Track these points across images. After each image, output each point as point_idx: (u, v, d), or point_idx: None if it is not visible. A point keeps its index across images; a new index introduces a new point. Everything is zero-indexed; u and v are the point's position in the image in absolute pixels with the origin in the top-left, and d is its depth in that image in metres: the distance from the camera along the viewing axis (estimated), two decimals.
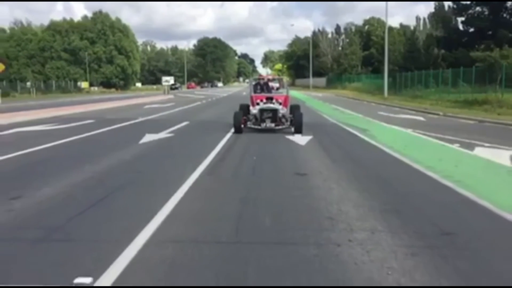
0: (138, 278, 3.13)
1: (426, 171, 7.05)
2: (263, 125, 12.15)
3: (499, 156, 8.59)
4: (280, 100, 12.84)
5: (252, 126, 12.30)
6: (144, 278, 3.14)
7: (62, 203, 5.19)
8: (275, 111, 12.23)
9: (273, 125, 12.14)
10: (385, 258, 3.50)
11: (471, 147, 9.72)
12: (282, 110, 12.42)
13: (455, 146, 9.93)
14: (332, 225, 4.36)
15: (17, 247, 3.75)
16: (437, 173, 6.82)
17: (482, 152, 9.13)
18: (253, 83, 14.50)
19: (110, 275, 3.16)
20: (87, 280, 3.04)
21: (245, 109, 12.95)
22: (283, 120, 12.33)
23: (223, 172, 7.15)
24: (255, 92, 13.57)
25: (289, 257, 3.55)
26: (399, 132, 13.13)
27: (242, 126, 11.97)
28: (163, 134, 12.05)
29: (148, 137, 11.25)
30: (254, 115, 12.37)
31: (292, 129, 11.94)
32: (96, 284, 3.01)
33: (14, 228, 4.27)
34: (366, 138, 11.34)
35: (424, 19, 61.43)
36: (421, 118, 18.29)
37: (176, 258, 3.54)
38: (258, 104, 12.62)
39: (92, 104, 28.16)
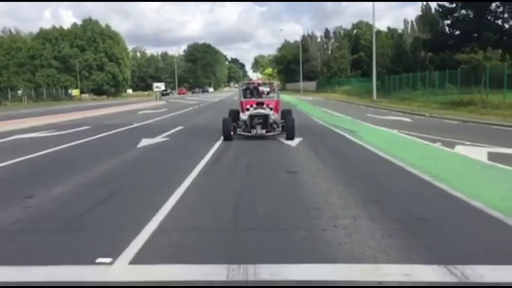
0: (150, 258, 3.61)
1: (407, 168, 7.60)
2: (253, 132, 11.67)
3: (477, 153, 9.18)
4: (271, 105, 12.43)
5: (242, 133, 11.87)
6: (155, 258, 3.62)
7: (74, 200, 5.68)
8: (265, 116, 11.81)
9: (264, 131, 11.69)
10: (365, 239, 4.03)
11: (452, 145, 10.31)
12: (273, 116, 12.05)
13: (437, 145, 10.52)
14: (319, 214, 4.88)
15: (40, 237, 4.22)
16: (417, 169, 7.37)
17: (462, 149, 9.72)
18: (243, 87, 14.08)
19: (126, 256, 3.65)
20: (107, 260, 3.53)
21: (234, 115, 12.57)
22: (274, 126, 11.96)
23: (219, 171, 7.65)
24: (245, 97, 13.14)
25: (281, 240, 4.05)
26: (386, 132, 13.70)
27: (232, 133, 11.66)
28: (159, 139, 12.53)
29: (145, 141, 11.73)
30: (244, 122, 11.95)
31: (284, 135, 11.68)
32: (115, 263, 3.49)
33: (34, 221, 4.74)
34: (354, 139, 11.90)
35: (411, 22, 62.46)
36: (408, 119, 18.90)
37: (181, 242, 4.03)
38: (248, 109, 12.18)
39: (85, 111, 28.51)
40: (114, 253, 3.68)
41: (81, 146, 11.40)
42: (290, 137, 11.43)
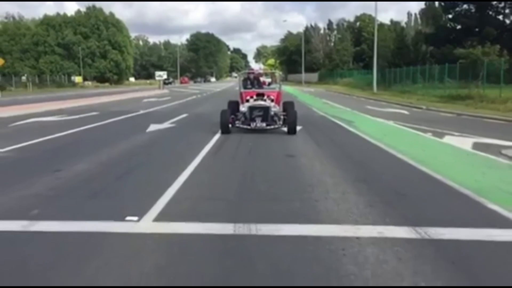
0: (167, 219, 4.34)
1: (397, 154, 8.31)
2: (253, 125, 11.21)
3: (463, 142, 9.88)
4: (272, 97, 11.97)
5: (241, 125, 11.37)
6: (171, 219, 4.35)
7: (97, 174, 6.43)
8: (266, 109, 11.32)
9: (264, 124, 11.23)
10: (350, 208, 4.75)
11: (441, 135, 11.01)
12: (274, 108, 11.62)
13: (428, 135, 11.22)
14: (312, 189, 5.60)
15: (75, 201, 4.97)
16: (405, 156, 8.07)
17: (450, 139, 10.42)
18: (243, 77, 13.55)
19: (149, 216, 4.40)
20: (134, 218, 4.27)
21: (234, 106, 12.06)
22: (275, 118, 11.45)
23: (224, 154, 8.37)
24: (245, 87, 12.64)
25: (279, 209, 4.77)
26: (382, 123, 14.38)
27: (230, 125, 11.20)
28: (166, 124, 13.26)
29: (153, 127, 12.46)
30: (244, 114, 11.46)
31: (285, 129, 11.24)
32: (141, 221, 4.23)
33: (67, 189, 5.49)
34: (351, 129, 12.59)
35: (415, 15, 62.70)
36: (405, 112, 19.55)
37: (192, 210, 4.74)
38: (248, 101, 11.72)
39: (92, 98, 29.22)
40: (139, 214, 4.41)
41: (94, 130, 12.17)
42: (292, 131, 11.09)
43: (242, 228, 4.03)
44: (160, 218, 4.36)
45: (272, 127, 11.31)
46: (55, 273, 3.18)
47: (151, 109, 19.68)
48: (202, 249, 3.64)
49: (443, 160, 7.82)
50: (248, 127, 11.23)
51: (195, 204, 4.91)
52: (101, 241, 3.78)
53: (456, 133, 11.41)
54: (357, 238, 3.83)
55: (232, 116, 11.43)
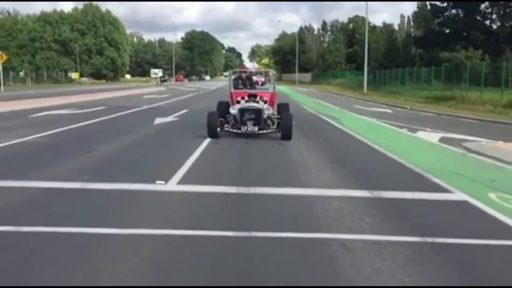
0: (187, 183, 5.73)
1: (372, 144, 9.76)
2: (243, 129, 10.26)
3: (432, 137, 11.37)
4: (265, 98, 11.11)
5: (230, 129, 10.42)
6: (189, 183, 5.74)
7: (122, 155, 7.89)
8: (258, 111, 10.33)
9: (256, 128, 10.26)
10: (325, 180, 6.20)
11: (415, 131, 12.50)
12: (268, 111, 10.70)
13: (404, 130, 12.70)
14: (298, 167, 7.05)
15: (111, 171, 6.38)
16: (379, 146, 9.51)
17: (421, 134, 11.92)
18: (234, 76, 12.62)
19: (173, 182, 5.80)
20: (162, 182, 5.67)
21: (223, 108, 11.22)
22: (269, 122, 10.58)
23: (224, 142, 9.75)
24: (235, 87, 11.80)
25: (270, 179, 6.17)
26: (365, 120, 15.87)
27: (219, 129, 10.20)
28: (170, 118, 14.67)
29: (159, 120, 13.85)
30: (234, 116, 10.55)
31: (279, 135, 10.23)
32: (167, 184, 5.65)
33: (102, 164, 6.92)
34: (336, 124, 14.05)
35: (408, 17, 64.27)
36: (389, 111, 21.06)
37: (204, 178, 6.14)
38: (238, 102, 10.83)
39: (93, 93, 30.43)
40: (165, 180, 5.81)
41: (106, 122, 13.54)
42: (286, 137, 10.06)
43: (242, 189, 5.47)
44: (181, 182, 5.80)
45: (265, 131, 10.39)
46: (113, 211, 4.58)
47: (153, 105, 21.06)
48: (214, 201, 5.07)
49: (409, 150, 9.29)
50: (239, 131, 10.32)
51: (206, 174, 6.35)
52: (142, 195, 5.20)
53: (428, 129, 12.91)
54: (327, 196, 5.26)
55: (221, 119, 10.52)
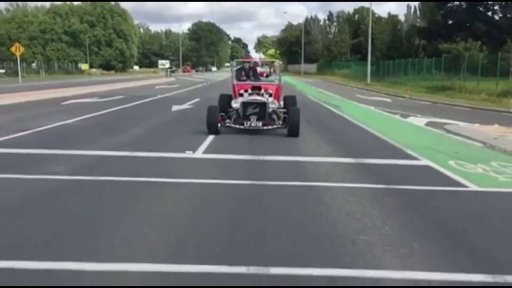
0: (210, 153, 7.21)
1: (365, 127, 11.20)
2: (246, 124, 9.61)
3: (420, 121, 12.77)
4: (270, 91, 10.38)
5: (232, 125, 9.78)
6: (212, 153, 7.23)
7: (151, 135, 9.48)
8: (263, 105, 9.71)
9: (260, 124, 9.61)
10: (321, 152, 7.70)
11: (406, 116, 13.90)
12: (273, 104, 9.94)
13: (397, 116, 14.11)
14: (299, 145, 8.52)
15: (147, 145, 7.92)
16: (371, 128, 10.94)
17: (411, 119, 13.32)
18: (236, 67, 11.86)
19: (199, 152, 7.33)
20: (190, 152, 7.21)
21: (225, 101, 10.49)
22: (274, 117, 9.92)
23: (234, 129, 11.16)
24: (238, 79, 10.91)
25: (275, 151, 7.64)
26: (364, 108, 17.26)
27: (219, 125, 9.58)
28: (185, 106, 16.22)
29: (176, 107, 15.38)
30: (236, 110, 9.88)
31: (286, 131, 9.60)
32: (195, 153, 7.16)
33: (138, 140, 8.48)
34: (337, 111, 15.48)
35: (414, 7, 64.75)
36: (389, 100, 22.38)
37: (223, 150, 7.61)
38: (241, 95, 10.15)
39: (107, 84, 32.06)
40: (192, 150, 7.33)
41: (128, 109, 15.10)
42: (293, 133, 9.45)
43: (254, 157, 7.01)
44: (206, 151, 7.39)
45: (269, 127, 9.76)
46: (161, 168, 6.08)
47: (166, 94, 22.61)
48: (233, 165, 6.59)
49: (397, 131, 10.72)
50: (241, 127, 9.66)
51: (224, 147, 7.88)
52: (176, 161, 6.74)
53: (419, 115, 14.30)
54: (320, 162, 6.75)
55: (222, 113, 9.84)
